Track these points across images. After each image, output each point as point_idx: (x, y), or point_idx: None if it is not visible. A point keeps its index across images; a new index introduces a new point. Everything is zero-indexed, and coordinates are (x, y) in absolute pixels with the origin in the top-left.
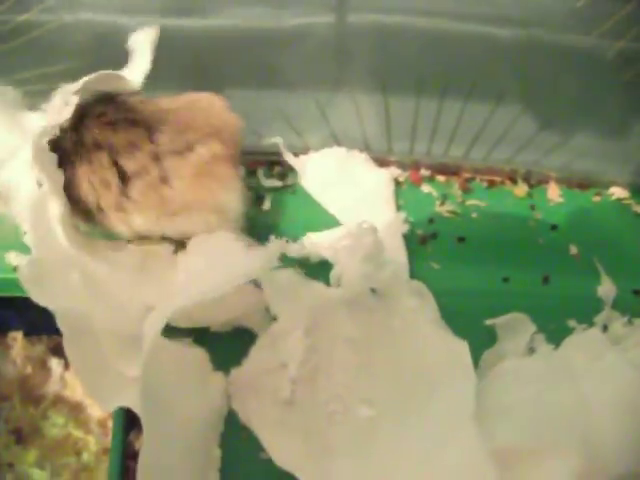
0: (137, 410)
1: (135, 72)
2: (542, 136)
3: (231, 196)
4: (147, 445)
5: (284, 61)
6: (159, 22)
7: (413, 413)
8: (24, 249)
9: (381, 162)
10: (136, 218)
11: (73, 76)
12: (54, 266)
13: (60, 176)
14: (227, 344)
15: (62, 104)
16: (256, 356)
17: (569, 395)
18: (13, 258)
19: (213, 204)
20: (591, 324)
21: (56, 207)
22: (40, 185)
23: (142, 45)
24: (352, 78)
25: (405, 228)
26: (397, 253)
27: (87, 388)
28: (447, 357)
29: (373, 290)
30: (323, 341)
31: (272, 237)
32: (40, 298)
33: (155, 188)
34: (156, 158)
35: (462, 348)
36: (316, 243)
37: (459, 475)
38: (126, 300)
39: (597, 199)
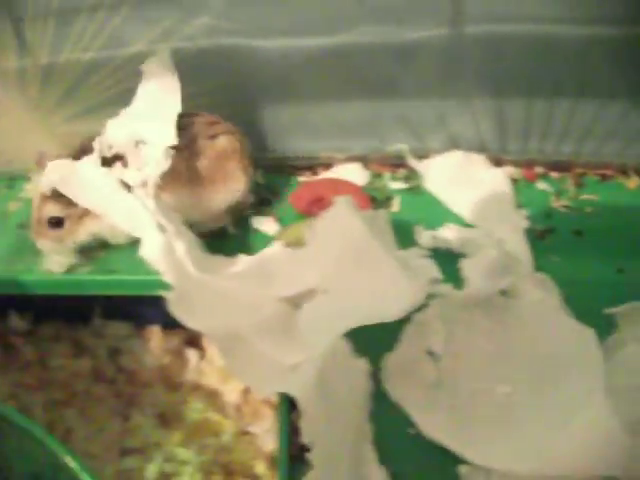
0: (294, 394)
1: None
2: None
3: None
4: (308, 423)
5: (405, 72)
6: (290, 43)
7: (546, 388)
8: None
9: (497, 162)
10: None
11: (208, 94)
12: (193, 294)
13: (176, 216)
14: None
15: (161, 157)
16: (405, 344)
17: None
18: None
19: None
20: None
21: (181, 246)
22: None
23: (161, 70)
24: (467, 84)
25: (525, 224)
26: (520, 248)
27: (246, 382)
28: (575, 342)
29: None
30: (461, 332)
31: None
32: (191, 324)
33: (187, 161)
34: (194, 139)
35: (588, 334)
36: (445, 238)
37: (590, 438)
38: (257, 301)
39: None
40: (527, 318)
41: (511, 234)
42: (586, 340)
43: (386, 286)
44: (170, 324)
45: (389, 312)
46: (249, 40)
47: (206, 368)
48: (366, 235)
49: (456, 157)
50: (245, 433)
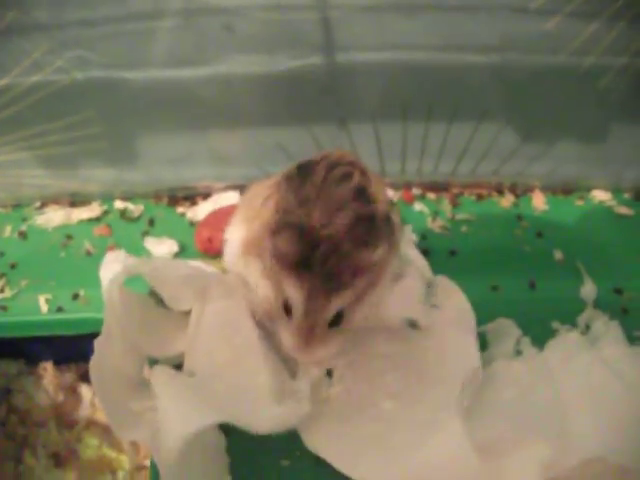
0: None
1: None
2: (525, 148)
3: None
4: None
5: (280, 101)
6: (164, 74)
7: (419, 405)
8: None
9: None
10: None
11: (85, 126)
12: None
13: None
14: None
15: None
16: None
17: (547, 393)
18: None
19: None
20: (574, 324)
21: None
22: None
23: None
24: (343, 110)
25: (414, 237)
26: (417, 260)
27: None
28: (458, 357)
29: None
30: (362, 356)
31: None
32: None
33: None
34: None
35: (472, 348)
36: None
37: (442, 460)
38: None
39: (580, 203)
40: (422, 339)
41: (406, 247)
42: (469, 357)
43: (258, 399)
44: (63, 359)
45: (253, 424)
46: (120, 72)
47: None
48: (256, 341)
49: None
50: (142, 468)
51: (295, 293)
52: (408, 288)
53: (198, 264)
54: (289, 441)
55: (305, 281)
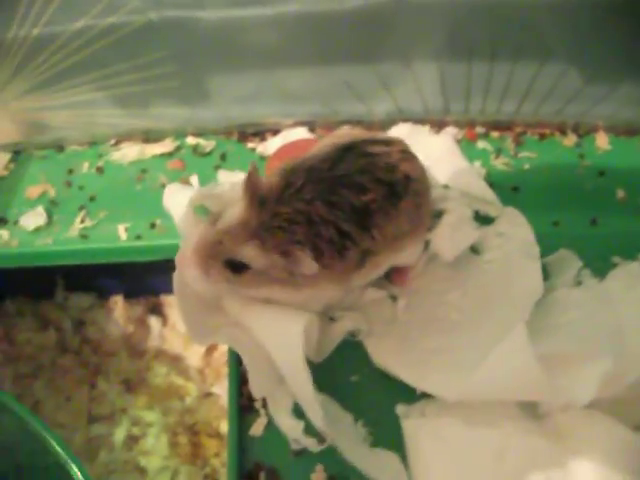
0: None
1: None
2: (589, 88)
3: None
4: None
5: (347, 38)
6: (234, 13)
7: (488, 321)
8: None
9: (440, 124)
10: None
11: (159, 66)
12: None
13: None
14: None
15: None
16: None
17: (607, 317)
18: None
19: None
20: (635, 260)
21: None
22: None
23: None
24: (410, 50)
25: (483, 172)
26: (485, 192)
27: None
28: (523, 278)
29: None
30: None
31: None
32: None
33: None
34: None
35: (535, 271)
36: None
37: (506, 367)
38: None
39: None
40: (487, 260)
41: (474, 184)
42: (531, 273)
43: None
44: (132, 293)
45: None
46: (192, 12)
47: (169, 334)
48: None
49: (404, 128)
50: (208, 394)
51: (235, 209)
52: (454, 221)
53: None
54: (358, 359)
55: (247, 209)
